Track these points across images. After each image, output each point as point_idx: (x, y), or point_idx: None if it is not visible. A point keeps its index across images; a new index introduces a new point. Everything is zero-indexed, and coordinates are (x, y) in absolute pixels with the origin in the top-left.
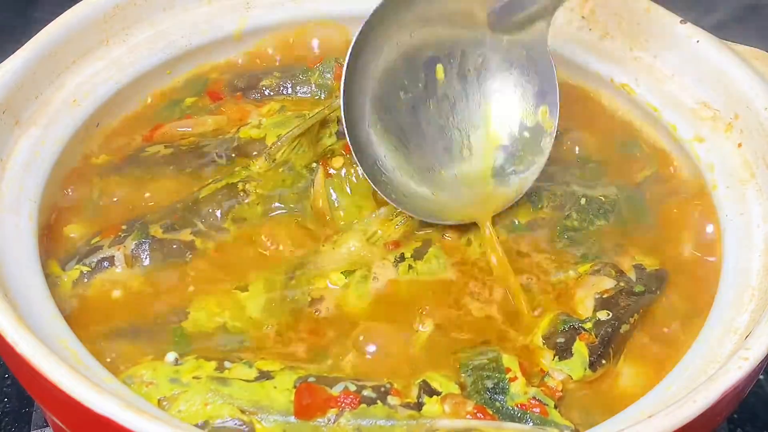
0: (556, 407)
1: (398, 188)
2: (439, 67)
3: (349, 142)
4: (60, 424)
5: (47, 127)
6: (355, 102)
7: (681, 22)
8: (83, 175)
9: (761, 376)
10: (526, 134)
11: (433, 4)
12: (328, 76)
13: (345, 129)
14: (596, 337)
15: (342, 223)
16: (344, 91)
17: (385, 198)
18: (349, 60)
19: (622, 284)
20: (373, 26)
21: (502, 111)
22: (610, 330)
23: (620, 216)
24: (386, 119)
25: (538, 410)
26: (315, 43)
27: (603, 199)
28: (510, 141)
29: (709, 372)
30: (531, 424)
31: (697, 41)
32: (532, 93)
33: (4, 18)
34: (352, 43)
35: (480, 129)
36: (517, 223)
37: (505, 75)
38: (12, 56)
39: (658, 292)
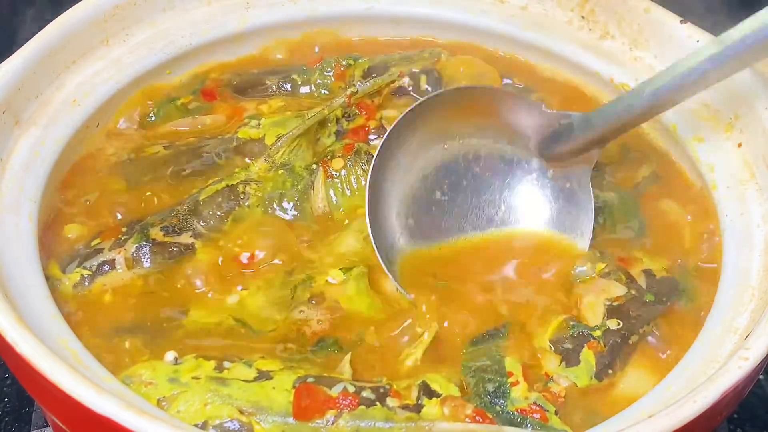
0: (556, 413)
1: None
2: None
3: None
4: (60, 424)
5: (47, 127)
6: (382, 194)
7: (681, 22)
8: (83, 175)
9: (761, 376)
10: None
11: (482, 122)
12: (328, 75)
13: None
14: (605, 346)
15: (342, 222)
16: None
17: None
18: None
19: (633, 292)
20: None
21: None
22: (619, 340)
23: (612, 216)
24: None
25: (538, 416)
26: (315, 43)
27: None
28: None
29: (709, 372)
30: (530, 429)
31: (697, 41)
32: (569, 224)
33: (5, 17)
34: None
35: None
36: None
37: (544, 204)
38: (12, 56)
39: (669, 304)
